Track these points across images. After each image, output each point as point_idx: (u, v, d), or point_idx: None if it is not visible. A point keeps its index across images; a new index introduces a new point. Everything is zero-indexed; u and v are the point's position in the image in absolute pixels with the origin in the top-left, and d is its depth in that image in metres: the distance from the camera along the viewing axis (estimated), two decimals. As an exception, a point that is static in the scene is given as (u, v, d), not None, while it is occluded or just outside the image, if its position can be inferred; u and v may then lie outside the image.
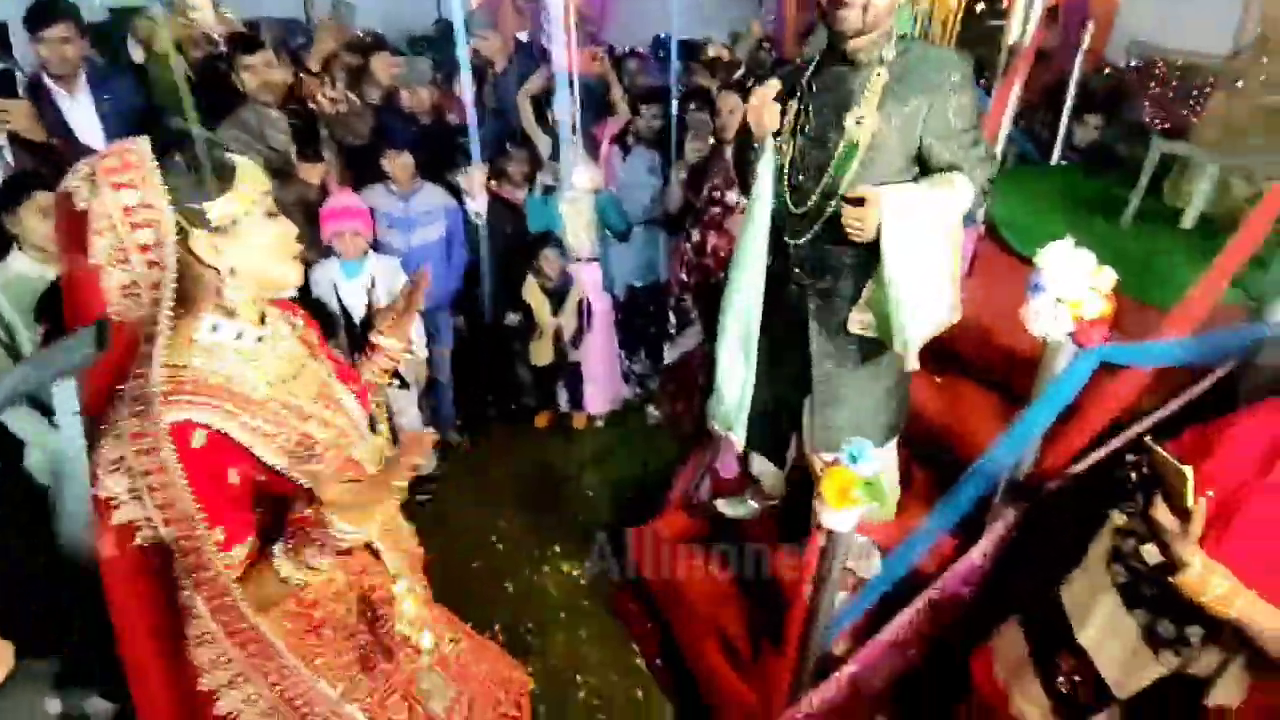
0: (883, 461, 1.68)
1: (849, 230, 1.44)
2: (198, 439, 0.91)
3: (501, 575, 2.61)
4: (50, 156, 2.04)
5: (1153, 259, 2.19)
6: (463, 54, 2.39)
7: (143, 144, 0.90)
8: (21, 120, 1.96)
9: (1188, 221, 2.41)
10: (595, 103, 3.49)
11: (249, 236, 0.96)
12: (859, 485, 1.39)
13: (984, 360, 2.17)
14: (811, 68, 1.57)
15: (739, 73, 4.01)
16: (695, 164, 3.17)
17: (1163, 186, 2.70)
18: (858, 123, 1.46)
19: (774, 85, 1.50)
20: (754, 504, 2.25)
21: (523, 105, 3.30)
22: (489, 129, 3.33)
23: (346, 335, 2.53)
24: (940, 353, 2.38)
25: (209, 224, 0.92)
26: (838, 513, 1.41)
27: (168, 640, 1.01)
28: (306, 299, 2.44)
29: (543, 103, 3.26)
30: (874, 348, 1.66)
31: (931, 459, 2.11)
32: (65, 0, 2.15)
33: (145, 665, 1.05)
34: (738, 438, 1.85)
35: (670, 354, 3.45)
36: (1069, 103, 3.25)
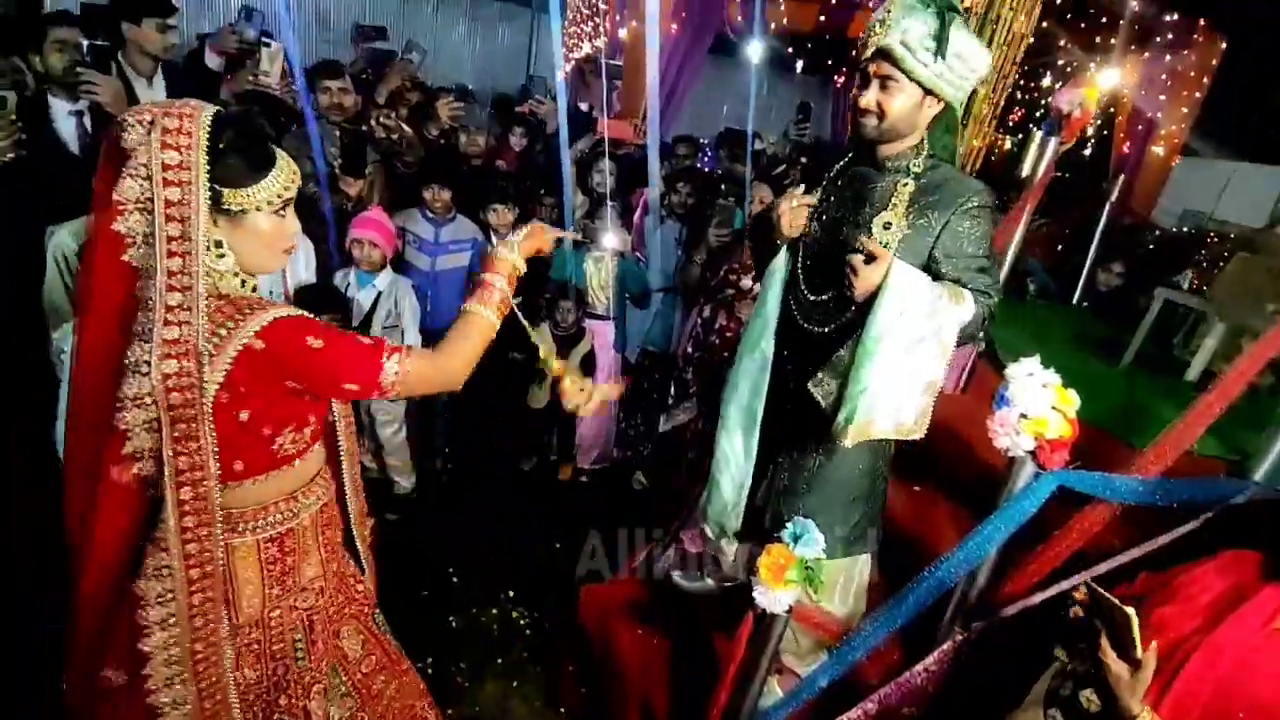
0: (841, 569, 1.64)
1: (849, 279, 1.41)
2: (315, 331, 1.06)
3: (449, 609, 2.56)
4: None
5: (1147, 404, 2.17)
6: (562, 115, 2.62)
7: (205, 113, 0.99)
8: (108, 95, 2.16)
9: (1192, 374, 2.39)
10: (635, 173, 3.69)
11: (250, 227, 1.06)
12: (795, 566, 1.37)
13: (963, 475, 2.13)
14: (840, 165, 1.61)
15: (780, 168, 4.20)
16: (716, 246, 3.29)
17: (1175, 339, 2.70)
18: (885, 227, 1.46)
19: (805, 196, 1.56)
20: (711, 582, 2.18)
21: (567, 166, 3.51)
22: (538, 178, 3.57)
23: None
24: (922, 463, 2.36)
25: (221, 206, 1.02)
26: (771, 591, 1.38)
27: (123, 575, 1.10)
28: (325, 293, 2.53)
29: (587, 165, 3.47)
30: (849, 450, 1.57)
31: (897, 568, 2.05)
32: None
33: (97, 594, 1.12)
34: (729, 544, 1.77)
35: (665, 424, 3.46)
36: (1093, 248, 3.32)
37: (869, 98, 1.40)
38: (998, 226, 1.52)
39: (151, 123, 0.96)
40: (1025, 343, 2.57)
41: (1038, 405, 1.35)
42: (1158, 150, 7.26)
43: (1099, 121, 7.63)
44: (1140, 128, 7.18)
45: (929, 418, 1.48)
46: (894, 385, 1.43)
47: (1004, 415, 1.39)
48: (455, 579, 2.73)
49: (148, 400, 1.00)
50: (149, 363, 0.98)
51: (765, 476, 1.73)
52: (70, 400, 1.09)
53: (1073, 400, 1.36)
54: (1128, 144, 7.25)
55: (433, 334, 3.00)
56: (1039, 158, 2.11)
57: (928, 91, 1.38)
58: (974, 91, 1.57)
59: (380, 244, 2.59)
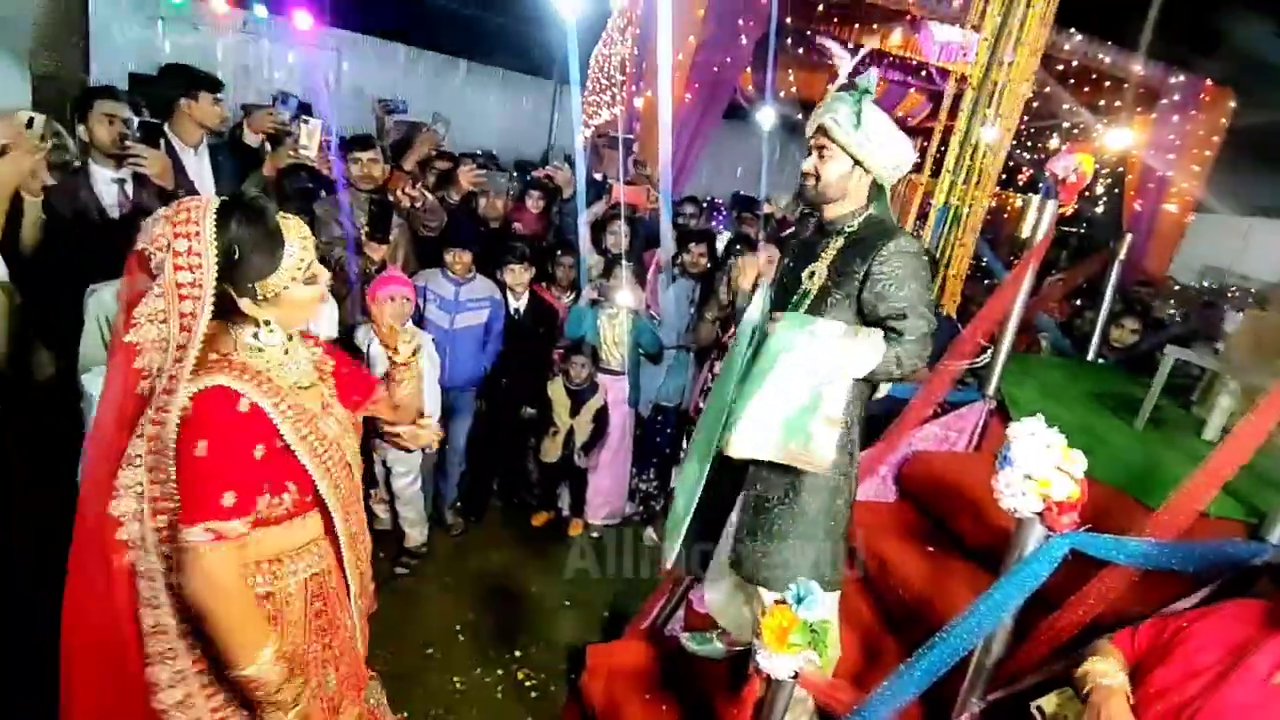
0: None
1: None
2: (243, 404, 1.08)
3: (453, 669, 2.51)
4: (168, 199, 2.41)
5: (1163, 464, 2.12)
6: (580, 179, 2.76)
7: (208, 207, 1.08)
8: (156, 168, 2.33)
9: (1210, 433, 2.35)
10: (648, 234, 3.82)
11: (289, 300, 1.17)
12: (799, 630, 1.34)
13: (977, 537, 2.09)
14: (808, 232, 1.87)
15: (788, 230, 4.31)
16: (726, 303, 3.35)
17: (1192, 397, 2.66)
18: (810, 275, 1.71)
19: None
20: (720, 645, 2.13)
21: (583, 228, 3.65)
22: (554, 239, 3.71)
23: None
24: (939, 524, 2.32)
25: (256, 296, 1.13)
26: (775, 656, 1.35)
27: (124, 661, 1.14)
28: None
29: (601, 227, 3.60)
30: (795, 490, 1.67)
31: (909, 631, 1.99)
32: (214, 76, 2.64)
33: (98, 681, 1.15)
34: (669, 548, 1.83)
35: (676, 479, 3.44)
36: (1105, 306, 3.32)
37: (809, 164, 1.69)
38: (924, 273, 1.62)
39: (166, 218, 1.08)
40: (1039, 400, 2.57)
41: (1042, 465, 1.34)
42: (1171, 208, 7.30)
43: (1109, 180, 7.72)
44: (1152, 186, 7.25)
45: (828, 451, 1.59)
46: (776, 409, 1.60)
47: (1008, 476, 1.38)
48: (461, 636, 2.69)
49: (127, 465, 1.09)
50: (143, 427, 1.08)
51: (727, 508, 1.80)
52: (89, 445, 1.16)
53: (1078, 460, 1.35)
54: (1139, 201, 7.30)
55: (449, 391, 3.07)
56: (1038, 220, 2.16)
57: (856, 162, 1.62)
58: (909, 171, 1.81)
59: (410, 298, 2.70)
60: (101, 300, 2.07)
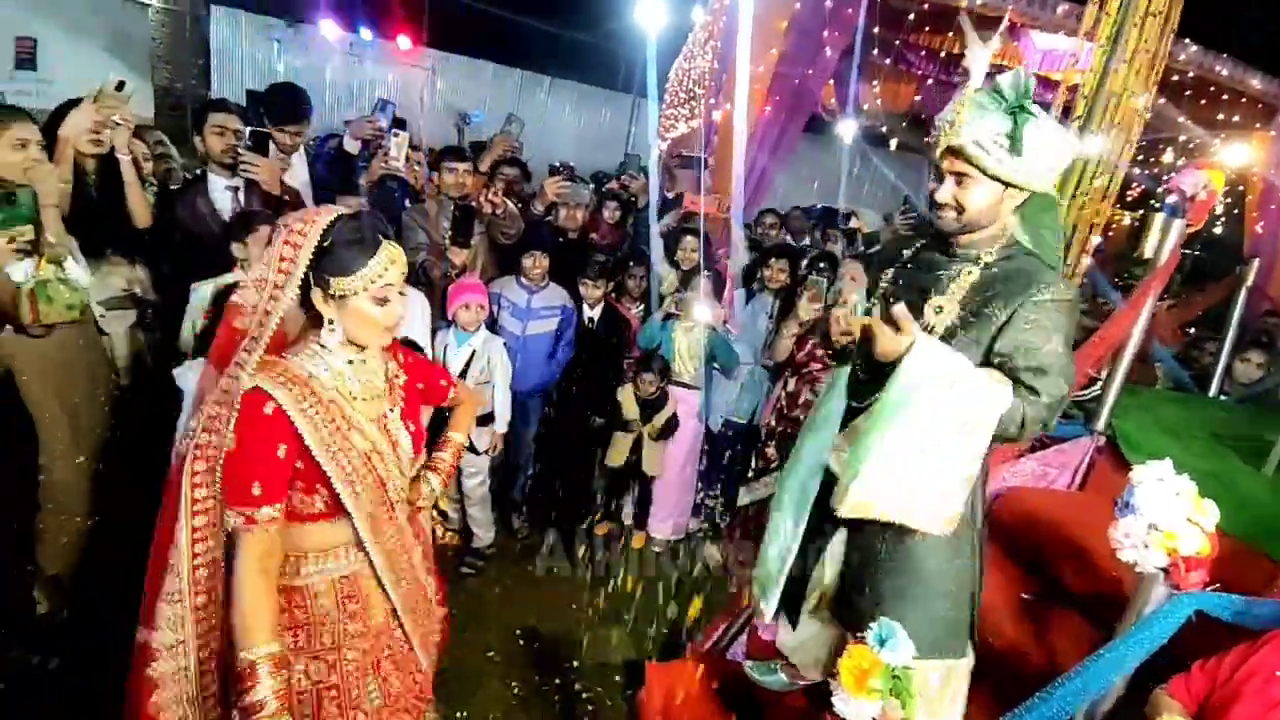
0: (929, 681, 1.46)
1: (867, 335, 1.36)
2: (269, 407, 1.17)
3: (513, 674, 2.52)
4: (275, 205, 2.56)
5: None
6: (654, 192, 2.75)
7: (320, 220, 1.19)
8: (265, 174, 2.48)
9: (1356, 486, 2.07)
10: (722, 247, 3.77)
11: (353, 310, 1.23)
12: (881, 674, 1.25)
13: (1079, 584, 1.91)
14: (914, 249, 1.59)
15: (874, 247, 4.16)
16: (806, 320, 3.25)
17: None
18: (937, 311, 1.44)
19: (851, 314, 1.60)
20: (783, 676, 2.04)
21: (656, 239, 3.64)
22: (627, 250, 3.73)
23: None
24: (1034, 567, 2.14)
25: (328, 290, 1.21)
26: (852, 700, 1.27)
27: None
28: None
29: (673, 240, 3.57)
30: (921, 544, 1.45)
31: (1001, 684, 1.84)
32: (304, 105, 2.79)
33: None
34: (766, 607, 1.72)
35: (744, 497, 3.36)
36: (1229, 337, 3.01)
37: (945, 194, 1.38)
38: (1076, 323, 1.35)
39: (282, 224, 1.21)
40: (1154, 437, 2.35)
41: (1170, 516, 1.20)
42: (1295, 231, 6.63)
43: (1229, 200, 7.09)
44: (1275, 206, 6.61)
45: (954, 515, 1.35)
46: (902, 462, 1.33)
47: (1130, 525, 1.25)
48: (521, 641, 2.70)
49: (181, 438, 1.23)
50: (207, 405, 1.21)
51: (824, 554, 1.63)
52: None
53: (1210, 511, 1.21)
54: (1261, 224, 6.66)
55: (519, 395, 3.11)
56: (1162, 240, 1.97)
57: (1007, 185, 1.34)
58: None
59: (484, 305, 2.78)
60: (203, 296, 2.18)
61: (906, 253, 1.60)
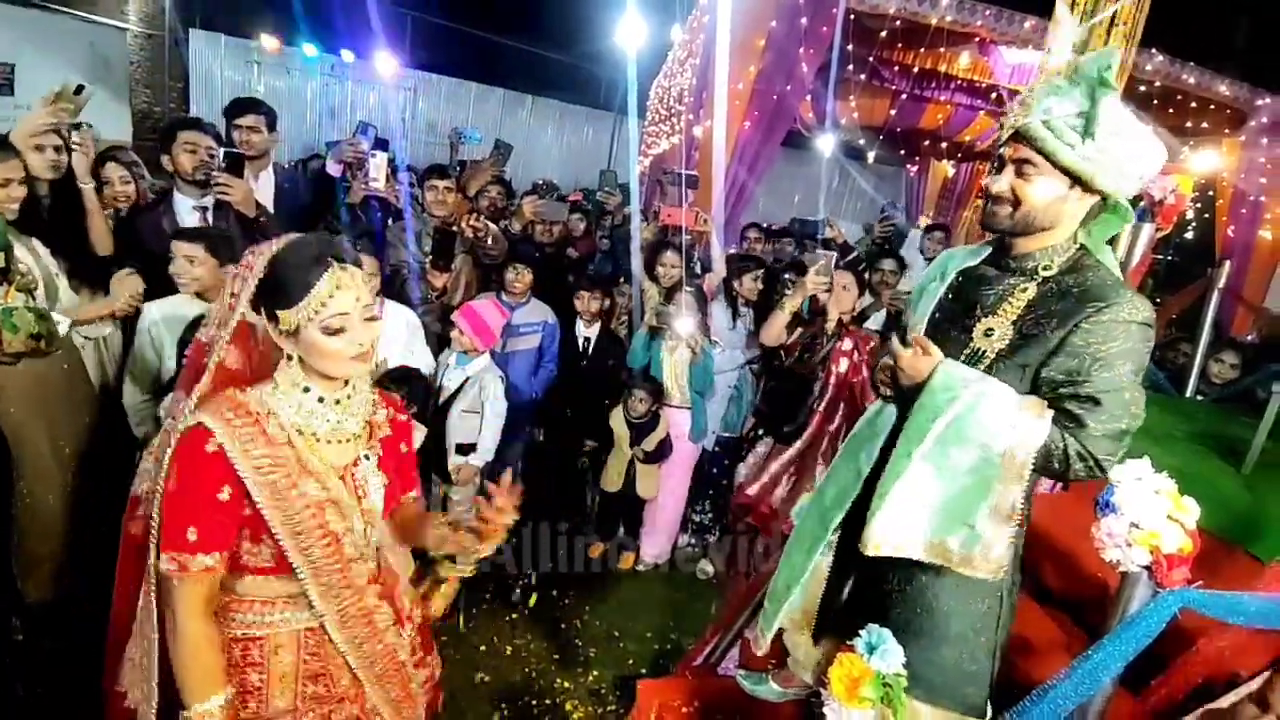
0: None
1: (889, 364, 1.32)
2: (211, 445, 1.07)
3: (502, 697, 2.47)
4: (250, 225, 2.54)
5: (1275, 511, 1.91)
6: (635, 208, 2.75)
7: (269, 249, 1.12)
8: (239, 195, 2.44)
9: (1331, 480, 2.10)
10: (704, 259, 3.79)
11: (306, 343, 1.12)
12: (872, 683, 1.24)
13: (1062, 585, 1.92)
14: (979, 257, 1.41)
15: (850, 255, 4.20)
16: (806, 300, 3.25)
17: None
18: (987, 334, 1.28)
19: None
20: (775, 686, 2.02)
21: (635, 254, 3.66)
22: (601, 264, 3.74)
23: (429, 405, 2.74)
24: (1020, 569, 2.15)
25: (279, 327, 1.12)
26: (843, 709, 1.26)
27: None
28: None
29: (653, 254, 3.59)
30: (940, 581, 1.34)
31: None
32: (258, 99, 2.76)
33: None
34: (765, 635, 1.69)
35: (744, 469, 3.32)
36: (1204, 337, 3.07)
37: (1002, 183, 1.23)
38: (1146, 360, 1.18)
39: (246, 254, 1.15)
40: (1135, 439, 2.37)
41: (1151, 515, 1.21)
42: (1265, 234, 6.80)
43: (1198, 205, 7.26)
44: (1244, 211, 6.78)
45: (999, 554, 1.21)
46: (928, 495, 1.22)
47: (1111, 525, 1.25)
48: (510, 663, 2.65)
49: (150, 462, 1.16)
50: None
51: (845, 586, 1.59)
52: None
53: (1191, 509, 1.21)
54: (1232, 227, 6.83)
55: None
56: (1132, 244, 2.02)
57: (1075, 181, 1.18)
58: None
59: (468, 333, 2.72)
60: (151, 316, 2.20)
61: (959, 269, 1.42)
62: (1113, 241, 1.29)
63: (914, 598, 1.37)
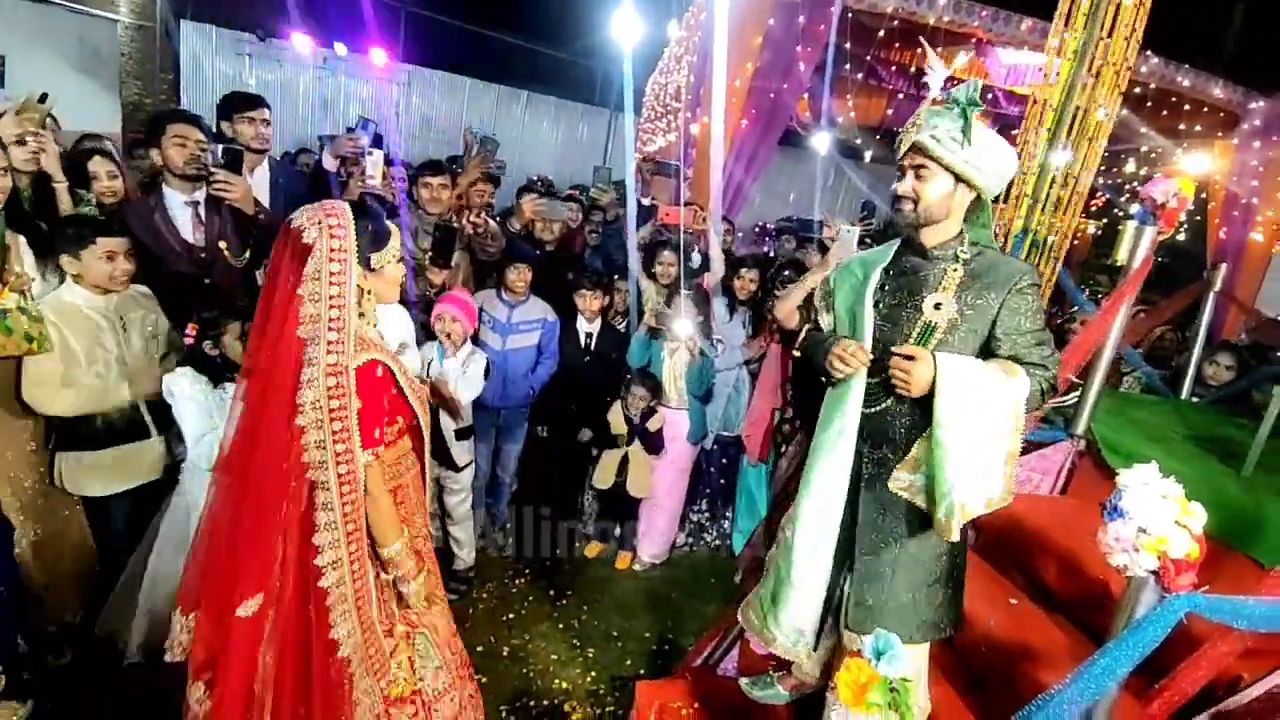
0: (912, 663, 1.47)
1: (896, 381, 1.51)
2: (379, 370, 1.51)
3: (500, 697, 2.46)
4: (249, 223, 2.49)
5: (1273, 514, 1.92)
6: (631, 205, 2.75)
7: (346, 211, 1.45)
8: (238, 193, 2.39)
9: (1330, 483, 2.12)
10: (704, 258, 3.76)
11: (386, 274, 1.58)
12: (879, 687, 1.24)
13: (1066, 588, 1.92)
14: (890, 256, 1.69)
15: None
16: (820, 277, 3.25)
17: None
18: (936, 307, 1.56)
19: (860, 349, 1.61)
20: (783, 689, 2.02)
21: (633, 252, 3.63)
22: (591, 259, 3.72)
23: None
24: (1020, 571, 2.15)
25: (369, 265, 1.51)
26: (850, 714, 1.25)
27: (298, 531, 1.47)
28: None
29: (650, 252, 3.57)
30: (925, 529, 1.55)
31: (994, 692, 1.83)
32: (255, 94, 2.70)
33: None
34: (772, 625, 1.73)
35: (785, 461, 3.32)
36: (1199, 339, 3.09)
37: (905, 186, 1.57)
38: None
39: (318, 221, 1.41)
40: (1134, 441, 2.38)
41: (1158, 520, 1.21)
42: (1257, 236, 6.85)
43: (1191, 207, 7.30)
44: (1236, 213, 6.83)
45: (1013, 483, 1.51)
46: (975, 470, 1.46)
47: (1118, 529, 1.25)
48: (507, 664, 2.64)
49: (309, 407, 1.40)
50: (316, 380, 1.41)
51: (842, 567, 1.67)
52: (241, 432, 1.46)
53: (1198, 514, 1.22)
54: (1224, 230, 6.88)
55: (500, 411, 3.06)
56: (1135, 247, 2.02)
57: (959, 180, 1.52)
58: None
59: (459, 318, 2.66)
60: (183, 390, 2.15)
61: (881, 264, 1.69)
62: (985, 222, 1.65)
63: (905, 553, 1.59)
